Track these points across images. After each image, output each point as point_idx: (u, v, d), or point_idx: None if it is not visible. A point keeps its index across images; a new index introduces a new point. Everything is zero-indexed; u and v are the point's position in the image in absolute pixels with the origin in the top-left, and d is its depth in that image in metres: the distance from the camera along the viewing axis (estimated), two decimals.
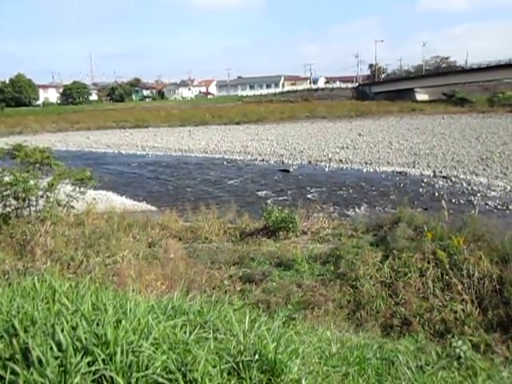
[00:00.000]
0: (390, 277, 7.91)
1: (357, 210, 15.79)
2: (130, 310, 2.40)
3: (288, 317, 3.50)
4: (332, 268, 8.59)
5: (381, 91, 76.85)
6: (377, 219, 10.97)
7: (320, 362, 2.29)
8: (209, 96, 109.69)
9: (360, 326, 6.50)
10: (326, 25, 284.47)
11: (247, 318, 2.50)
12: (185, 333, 2.23)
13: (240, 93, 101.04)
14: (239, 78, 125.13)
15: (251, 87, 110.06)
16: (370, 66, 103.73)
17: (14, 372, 1.99)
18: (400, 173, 22.56)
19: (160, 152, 36.17)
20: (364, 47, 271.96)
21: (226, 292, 7.30)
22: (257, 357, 1.89)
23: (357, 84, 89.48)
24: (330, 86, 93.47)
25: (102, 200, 15.56)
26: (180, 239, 10.85)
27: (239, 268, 8.90)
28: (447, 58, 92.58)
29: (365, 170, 23.95)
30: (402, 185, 19.91)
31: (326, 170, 24.93)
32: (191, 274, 7.92)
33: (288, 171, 24.79)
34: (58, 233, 9.48)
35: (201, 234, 11.08)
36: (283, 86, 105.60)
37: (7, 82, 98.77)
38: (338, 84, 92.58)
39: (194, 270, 8.24)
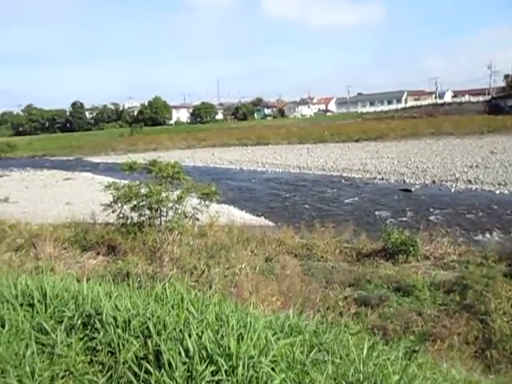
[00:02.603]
0: None
1: (487, 235, 14.37)
2: (251, 323, 2.49)
3: (409, 348, 3.31)
4: (457, 298, 7.94)
5: None
6: None
7: None
8: (328, 113, 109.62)
9: (490, 368, 5.88)
10: (452, 36, 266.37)
11: (366, 344, 2.44)
12: (302, 353, 2.25)
13: (360, 109, 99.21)
14: (359, 94, 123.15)
15: (371, 104, 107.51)
16: (506, 76, 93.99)
17: (147, 371, 2.20)
18: None
19: (279, 169, 36.94)
20: (498, 56, 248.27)
21: (340, 314, 7.15)
22: None
23: (489, 97, 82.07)
24: (457, 100, 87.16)
25: (224, 213, 16.40)
26: (295, 256, 10.94)
27: (355, 290, 8.68)
28: None
29: (498, 192, 21.75)
30: None
31: (452, 190, 23.19)
32: (306, 291, 7.92)
33: (410, 191, 23.58)
34: (183, 242, 10.24)
35: (316, 252, 11.05)
36: (406, 101, 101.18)
37: (146, 104, 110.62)
38: (467, 98, 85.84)
39: (309, 288, 8.23)
